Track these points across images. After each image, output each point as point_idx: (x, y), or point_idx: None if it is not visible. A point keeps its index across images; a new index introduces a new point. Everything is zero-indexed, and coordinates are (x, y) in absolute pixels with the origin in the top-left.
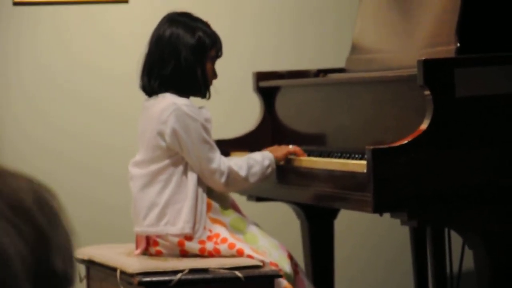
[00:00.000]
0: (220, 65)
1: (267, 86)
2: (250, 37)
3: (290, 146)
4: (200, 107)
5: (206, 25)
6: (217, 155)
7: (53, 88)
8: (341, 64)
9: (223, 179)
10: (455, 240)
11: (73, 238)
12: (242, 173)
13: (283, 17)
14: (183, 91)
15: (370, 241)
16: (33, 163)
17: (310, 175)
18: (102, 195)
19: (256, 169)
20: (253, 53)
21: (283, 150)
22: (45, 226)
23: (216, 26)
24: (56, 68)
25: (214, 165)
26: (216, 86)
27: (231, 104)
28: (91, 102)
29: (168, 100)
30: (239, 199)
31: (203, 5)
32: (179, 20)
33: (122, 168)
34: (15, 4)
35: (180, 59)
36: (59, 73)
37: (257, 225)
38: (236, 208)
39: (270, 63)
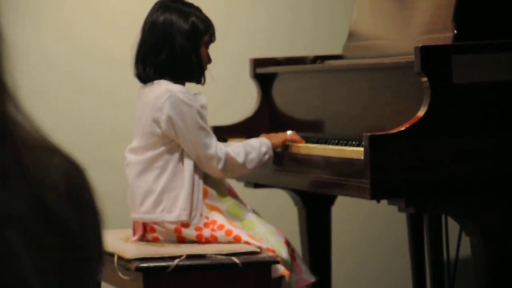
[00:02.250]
0: (216, 51)
1: (264, 72)
2: (246, 24)
3: (288, 132)
4: (196, 94)
5: (198, 10)
6: (213, 141)
7: (55, 74)
8: (336, 50)
9: (220, 165)
10: (452, 227)
11: (103, 225)
12: (240, 159)
13: (279, 3)
14: (179, 78)
15: (368, 230)
16: None
17: (307, 161)
18: (101, 180)
19: (254, 155)
20: (249, 39)
21: (280, 137)
22: (76, 233)
23: (212, 12)
24: (59, 54)
25: (211, 151)
26: (212, 72)
27: (228, 90)
28: (93, 87)
29: (163, 87)
30: (236, 186)
31: None
32: (171, 6)
33: (123, 154)
34: None
35: (174, 46)
36: (61, 59)
37: (254, 211)
38: (233, 195)
39: (266, 50)
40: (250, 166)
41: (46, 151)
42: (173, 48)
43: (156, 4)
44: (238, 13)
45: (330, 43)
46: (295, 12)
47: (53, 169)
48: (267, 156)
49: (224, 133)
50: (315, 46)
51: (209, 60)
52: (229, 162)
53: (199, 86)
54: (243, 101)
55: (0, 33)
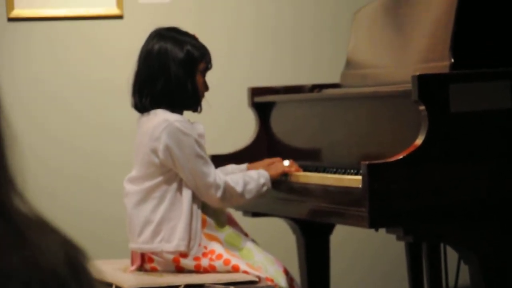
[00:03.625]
0: (216, 80)
1: (262, 101)
2: (247, 53)
3: (285, 162)
4: (193, 122)
5: (194, 38)
6: (212, 169)
7: (49, 102)
8: (338, 79)
9: (219, 194)
10: (451, 255)
11: None
12: (238, 188)
13: (281, 33)
14: (175, 107)
15: (365, 255)
16: (29, 175)
17: (305, 190)
18: (100, 207)
19: (252, 186)
20: (250, 68)
21: (278, 168)
22: None
23: (213, 42)
24: (51, 83)
25: (210, 179)
26: (212, 101)
27: (227, 119)
28: (86, 115)
29: (160, 117)
30: (234, 215)
31: (200, 21)
32: (166, 35)
33: (119, 181)
34: (10, 20)
35: (170, 74)
36: (54, 88)
37: (253, 240)
38: (233, 223)
39: (267, 79)
40: (248, 196)
41: (44, 229)
42: (168, 77)
43: (152, 33)
44: (240, 43)
45: (331, 73)
46: (296, 41)
47: (53, 242)
48: (265, 188)
49: (222, 161)
50: (317, 75)
51: (206, 88)
52: (227, 190)
53: (198, 114)
54: (241, 130)
55: (4, 126)
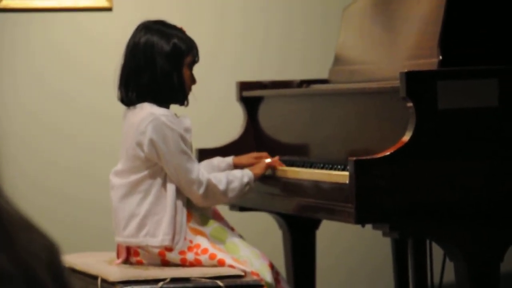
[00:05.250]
0: (204, 74)
1: (251, 96)
2: (235, 47)
3: (267, 160)
4: (180, 116)
5: (181, 31)
6: (195, 166)
7: (38, 92)
8: (326, 75)
9: (201, 190)
10: (437, 251)
11: None
12: (221, 186)
13: (270, 27)
14: (161, 100)
15: (353, 252)
16: (26, 166)
17: (293, 185)
18: (90, 198)
19: (235, 184)
20: (238, 62)
21: (261, 166)
22: None
23: (201, 35)
24: (41, 73)
25: (193, 176)
26: (200, 95)
27: (215, 113)
28: (81, 105)
29: (146, 111)
30: (221, 209)
31: (187, 14)
32: (153, 28)
33: (110, 172)
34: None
35: (156, 68)
36: (43, 78)
37: (239, 235)
38: (218, 218)
39: (255, 73)
40: (231, 194)
41: (28, 229)
42: (154, 71)
43: (139, 26)
44: (227, 37)
45: (320, 69)
46: (285, 36)
47: (36, 243)
48: (247, 187)
49: (209, 155)
50: (305, 71)
51: (193, 81)
52: (210, 188)
53: (186, 108)
54: (229, 124)
55: None
